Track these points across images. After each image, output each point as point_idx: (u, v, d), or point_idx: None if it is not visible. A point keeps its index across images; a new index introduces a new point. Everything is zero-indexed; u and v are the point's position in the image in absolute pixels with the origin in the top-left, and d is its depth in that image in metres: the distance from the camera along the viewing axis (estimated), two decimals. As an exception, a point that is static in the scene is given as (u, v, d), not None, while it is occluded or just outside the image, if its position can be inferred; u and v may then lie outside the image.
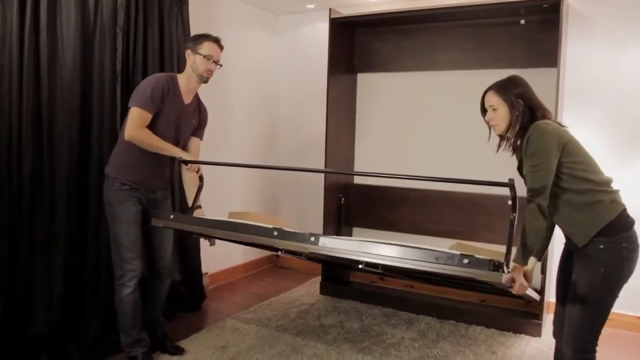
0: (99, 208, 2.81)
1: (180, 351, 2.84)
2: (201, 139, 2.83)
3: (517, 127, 1.98)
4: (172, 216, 2.37)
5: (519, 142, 2.04)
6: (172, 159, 2.62)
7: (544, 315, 3.32)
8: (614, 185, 1.99)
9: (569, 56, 3.54)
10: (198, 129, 2.81)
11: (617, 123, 3.46)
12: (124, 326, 2.59)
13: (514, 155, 2.11)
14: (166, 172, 2.73)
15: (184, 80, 2.64)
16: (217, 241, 4.20)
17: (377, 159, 4.23)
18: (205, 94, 3.86)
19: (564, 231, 2.00)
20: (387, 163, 4.18)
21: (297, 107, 4.72)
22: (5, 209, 2.50)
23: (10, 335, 2.51)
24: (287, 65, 4.75)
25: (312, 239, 1.95)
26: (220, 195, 4.19)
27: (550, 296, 3.58)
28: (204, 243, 3.82)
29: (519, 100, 1.98)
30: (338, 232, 4.14)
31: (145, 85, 2.51)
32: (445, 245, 3.79)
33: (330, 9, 3.87)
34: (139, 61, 3.11)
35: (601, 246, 1.86)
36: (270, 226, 2.07)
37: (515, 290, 1.88)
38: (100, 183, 2.89)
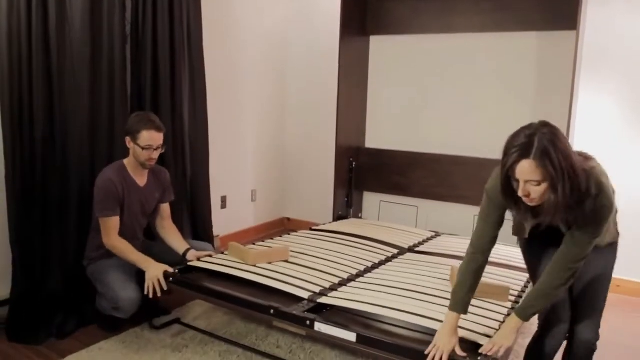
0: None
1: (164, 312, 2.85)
2: (170, 200, 2.87)
3: (566, 202, 1.53)
4: (171, 279, 2.45)
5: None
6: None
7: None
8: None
9: (589, 18, 3.43)
10: (164, 196, 2.83)
11: (639, 89, 3.36)
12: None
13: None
14: (137, 243, 2.74)
15: (132, 166, 2.65)
16: (229, 203, 4.24)
17: (390, 123, 4.20)
18: (217, 56, 3.84)
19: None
20: (400, 127, 4.15)
21: (309, 70, 4.65)
22: (18, 173, 2.52)
23: (26, 295, 2.56)
24: (298, 28, 4.66)
25: (308, 322, 1.98)
26: (233, 168, 4.21)
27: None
28: (215, 205, 3.87)
29: (562, 168, 1.48)
30: (349, 197, 4.15)
31: (99, 192, 2.54)
32: (455, 212, 3.84)
33: (343, -32, 3.76)
34: (148, 22, 3.06)
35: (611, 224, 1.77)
36: (267, 303, 2.12)
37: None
38: (110, 144, 2.91)
